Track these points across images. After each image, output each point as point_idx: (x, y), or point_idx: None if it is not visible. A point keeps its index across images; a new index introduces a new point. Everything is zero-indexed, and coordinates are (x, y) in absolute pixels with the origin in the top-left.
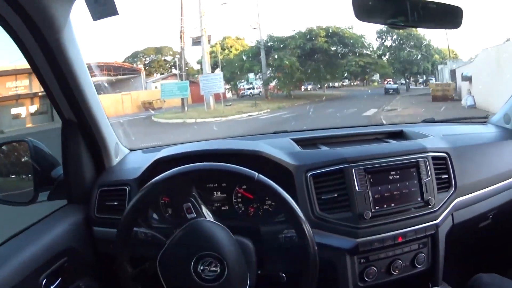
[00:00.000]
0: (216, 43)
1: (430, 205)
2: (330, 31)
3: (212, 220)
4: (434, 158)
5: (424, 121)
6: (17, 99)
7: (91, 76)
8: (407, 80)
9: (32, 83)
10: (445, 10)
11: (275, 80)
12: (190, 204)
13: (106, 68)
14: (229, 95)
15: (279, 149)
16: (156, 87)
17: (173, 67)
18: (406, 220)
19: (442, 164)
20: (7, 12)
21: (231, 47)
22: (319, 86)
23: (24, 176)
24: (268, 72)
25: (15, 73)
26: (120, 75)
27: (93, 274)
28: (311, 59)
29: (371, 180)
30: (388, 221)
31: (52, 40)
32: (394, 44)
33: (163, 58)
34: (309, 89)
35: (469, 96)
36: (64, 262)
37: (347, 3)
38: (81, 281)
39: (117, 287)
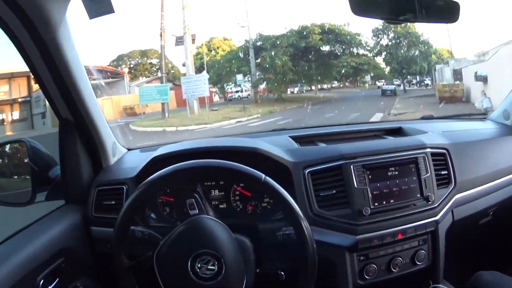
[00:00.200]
0: (202, 44)
1: (429, 201)
2: (326, 28)
3: (214, 218)
4: (433, 154)
5: (423, 118)
6: None
7: None
8: (404, 81)
9: (12, 88)
10: (443, 5)
11: (265, 82)
12: (193, 200)
13: (88, 72)
14: (216, 98)
15: (277, 146)
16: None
17: (159, 70)
18: (405, 216)
19: (441, 160)
20: (4, 11)
21: (218, 48)
22: (310, 88)
23: (22, 177)
24: (257, 73)
25: None
26: (103, 78)
27: (91, 274)
28: (304, 59)
29: (369, 177)
30: (387, 218)
31: (48, 38)
32: (391, 43)
33: (148, 61)
34: (295, 92)
35: (485, 97)
36: (62, 262)
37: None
38: (79, 281)
39: (115, 287)
